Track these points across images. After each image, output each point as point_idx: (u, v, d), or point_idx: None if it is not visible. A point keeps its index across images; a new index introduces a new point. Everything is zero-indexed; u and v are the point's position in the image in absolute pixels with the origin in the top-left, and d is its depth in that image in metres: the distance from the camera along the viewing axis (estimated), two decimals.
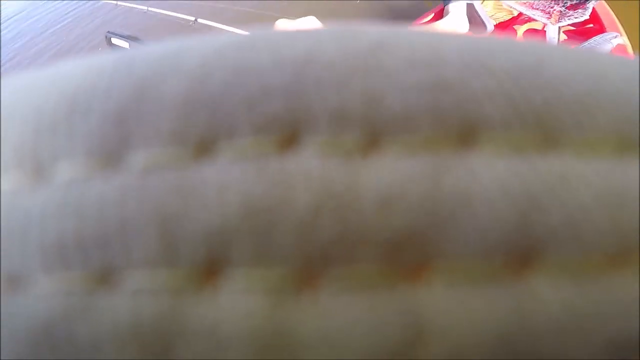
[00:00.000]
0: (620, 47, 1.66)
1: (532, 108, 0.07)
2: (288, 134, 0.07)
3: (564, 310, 0.06)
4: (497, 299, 0.06)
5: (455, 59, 0.08)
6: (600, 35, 1.62)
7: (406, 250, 0.06)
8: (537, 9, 1.73)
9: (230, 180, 0.07)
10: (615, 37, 1.62)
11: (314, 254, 0.06)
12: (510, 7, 1.78)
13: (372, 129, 0.07)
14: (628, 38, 1.71)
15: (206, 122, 0.07)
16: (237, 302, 0.06)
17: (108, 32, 1.49)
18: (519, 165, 0.07)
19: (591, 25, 1.74)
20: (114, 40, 1.44)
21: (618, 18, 1.79)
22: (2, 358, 0.06)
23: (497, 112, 0.07)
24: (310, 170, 0.07)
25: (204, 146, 0.07)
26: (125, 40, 1.42)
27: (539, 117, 0.07)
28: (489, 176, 0.07)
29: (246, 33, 0.08)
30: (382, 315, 0.06)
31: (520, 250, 0.06)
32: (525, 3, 1.75)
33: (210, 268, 0.06)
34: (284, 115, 0.07)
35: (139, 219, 0.06)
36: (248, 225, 0.06)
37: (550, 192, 0.07)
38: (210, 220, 0.06)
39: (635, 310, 0.06)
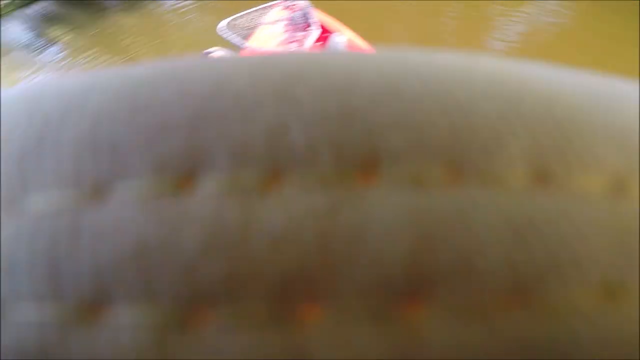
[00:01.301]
0: (350, 42, 1.86)
1: (437, 136, 0.07)
2: (185, 173, 0.07)
3: (447, 349, 0.06)
4: (380, 337, 0.06)
5: (367, 85, 0.08)
6: (330, 37, 1.78)
7: (295, 290, 0.06)
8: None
9: (121, 221, 0.07)
10: (340, 36, 1.79)
11: (199, 292, 0.06)
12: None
13: (272, 164, 0.07)
14: (351, 34, 1.91)
15: (103, 164, 0.07)
16: (121, 336, 0.06)
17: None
18: (416, 200, 0.07)
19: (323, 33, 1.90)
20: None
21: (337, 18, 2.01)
22: None
23: (400, 143, 0.07)
24: (203, 209, 0.07)
25: (98, 188, 0.07)
26: None
27: (444, 147, 0.07)
28: (384, 211, 0.07)
29: (163, 64, 0.09)
30: (268, 352, 0.06)
31: (408, 288, 0.06)
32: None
33: (94, 303, 0.06)
34: (183, 153, 0.07)
35: (29, 259, 0.07)
36: (136, 264, 0.06)
37: (445, 228, 0.06)
38: (96, 260, 0.06)
39: (524, 351, 0.06)
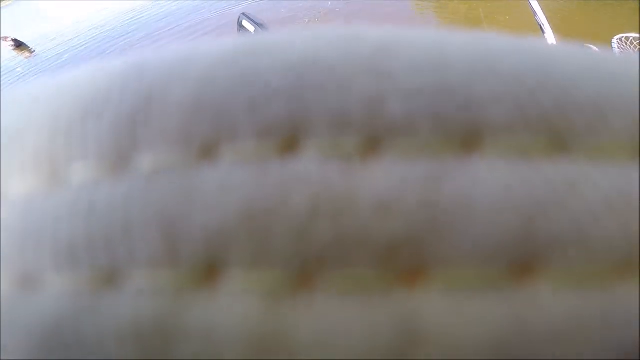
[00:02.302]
0: None
1: (540, 111, 0.07)
2: (288, 138, 0.07)
3: (566, 318, 0.06)
4: (496, 306, 0.06)
5: (459, 61, 0.08)
6: None
7: (403, 255, 0.06)
8: None
9: (231, 183, 0.07)
10: None
11: (310, 257, 0.06)
12: None
13: (372, 132, 0.07)
14: None
15: (210, 126, 0.07)
16: (234, 304, 0.06)
17: (243, 13, 1.58)
18: (524, 170, 0.07)
19: None
20: (244, 23, 1.53)
21: None
22: (13, 356, 0.06)
23: (502, 116, 0.07)
24: (309, 173, 0.07)
25: (207, 149, 0.07)
26: (253, 25, 1.50)
27: (548, 121, 0.07)
28: (492, 181, 0.07)
29: (252, 37, 0.09)
30: (377, 319, 0.06)
31: (523, 258, 0.06)
32: None
33: (209, 269, 0.06)
34: (285, 119, 0.07)
35: (143, 220, 0.07)
36: (247, 227, 0.06)
37: (556, 198, 0.06)
38: (210, 222, 0.06)
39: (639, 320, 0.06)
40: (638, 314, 0.06)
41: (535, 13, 1.65)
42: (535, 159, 0.07)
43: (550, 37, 1.63)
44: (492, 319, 0.06)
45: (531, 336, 0.06)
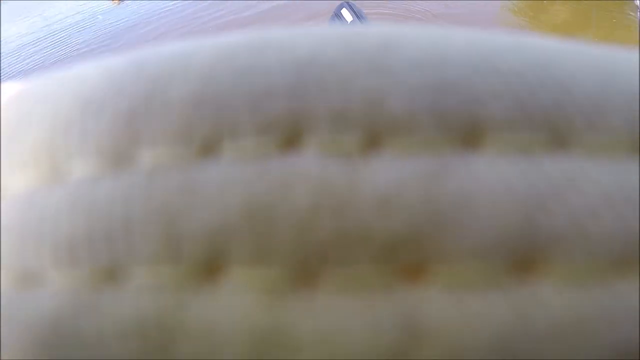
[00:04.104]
0: None
1: (540, 108, 0.07)
2: (290, 134, 0.07)
3: (568, 315, 0.06)
4: (498, 303, 0.06)
5: (460, 58, 0.08)
6: None
7: (404, 252, 0.06)
8: None
9: (232, 179, 0.07)
10: None
11: (311, 254, 0.06)
12: None
13: (373, 129, 0.07)
14: None
15: (211, 122, 0.07)
16: (236, 300, 0.06)
17: (345, 2, 1.48)
18: (524, 166, 0.07)
19: None
20: (344, 12, 1.45)
21: None
22: (12, 353, 0.06)
23: (502, 113, 0.07)
24: (310, 170, 0.07)
25: (208, 146, 0.07)
26: (352, 15, 1.42)
27: (548, 117, 0.07)
28: (493, 177, 0.07)
29: (253, 33, 0.09)
30: (379, 316, 0.06)
31: (524, 253, 0.06)
32: None
33: (210, 265, 0.06)
34: (286, 115, 0.07)
35: (144, 217, 0.07)
36: (248, 224, 0.06)
37: (557, 194, 0.06)
38: (211, 219, 0.06)
39: None
40: (638, 310, 0.06)
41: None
42: (536, 155, 0.07)
43: None
44: (494, 315, 0.06)
45: (533, 332, 0.06)
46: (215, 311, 0.06)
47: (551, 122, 0.07)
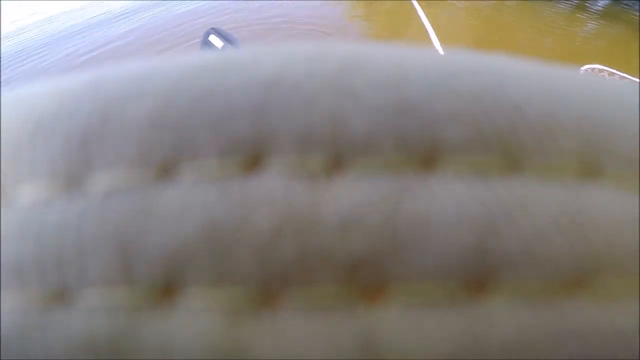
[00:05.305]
0: None
1: (495, 130, 0.07)
2: (252, 156, 0.07)
3: (517, 333, 0.06)
4: (452, 322, 0.06)
5: (420, 79, 0.08)
6: None
7: (365, 273, 0.06)
8: None
9: (192, 201, 0.07)
10: None
11: (273, 275, 0.06)
12: None
13: (336, 150, 0.07)
14: None
15: (169, 144, 0.07)
16: (193, 321, 0.06)
17: (212, 28, 1.45)
18: (479, 189, 0.07)
19: None
20: (211, 38, 1.41)
21: None
22: None
23: (459, 134, 0.07)
24: (273, 192, 0.07)
25: (166, 168, 0.07)
26: (222, 40, 1.39)
27: (502, 140, 0.07)
28: (449, 199, 0.07)
29: (218, 53, 0.09)
30: (339, 335, 0.06)
31: (476, 274, 0.06)
32: None
33: (167, 287, 0.06)
34: (249, 136, 0.07)
35: (97, 240, 0.06)
36: (208, 246, 0.06)
37: (508, 217, 0.07)
38: (168, 241, 0.06)
39: (588, 335, 0.06)
40: (585, 330, 0.06)
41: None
42: (490, 178, 0.07)
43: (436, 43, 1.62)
44: (448, 334, 0.06)
45: (485, 350, 0.06)
46: (171, 331, 0.06)
47: (505, 144, 0.07)
